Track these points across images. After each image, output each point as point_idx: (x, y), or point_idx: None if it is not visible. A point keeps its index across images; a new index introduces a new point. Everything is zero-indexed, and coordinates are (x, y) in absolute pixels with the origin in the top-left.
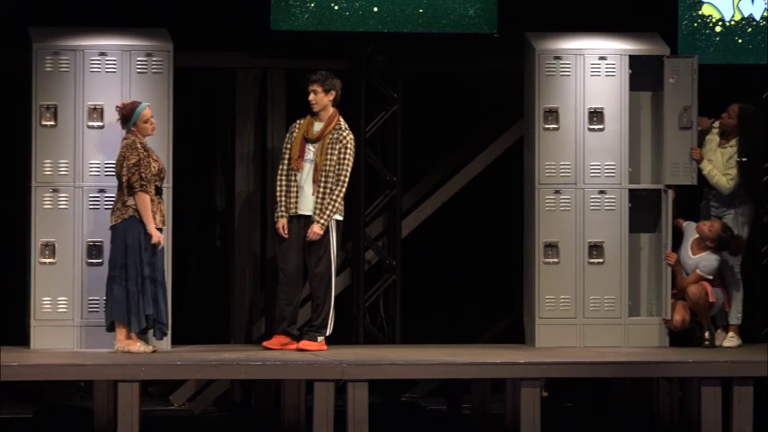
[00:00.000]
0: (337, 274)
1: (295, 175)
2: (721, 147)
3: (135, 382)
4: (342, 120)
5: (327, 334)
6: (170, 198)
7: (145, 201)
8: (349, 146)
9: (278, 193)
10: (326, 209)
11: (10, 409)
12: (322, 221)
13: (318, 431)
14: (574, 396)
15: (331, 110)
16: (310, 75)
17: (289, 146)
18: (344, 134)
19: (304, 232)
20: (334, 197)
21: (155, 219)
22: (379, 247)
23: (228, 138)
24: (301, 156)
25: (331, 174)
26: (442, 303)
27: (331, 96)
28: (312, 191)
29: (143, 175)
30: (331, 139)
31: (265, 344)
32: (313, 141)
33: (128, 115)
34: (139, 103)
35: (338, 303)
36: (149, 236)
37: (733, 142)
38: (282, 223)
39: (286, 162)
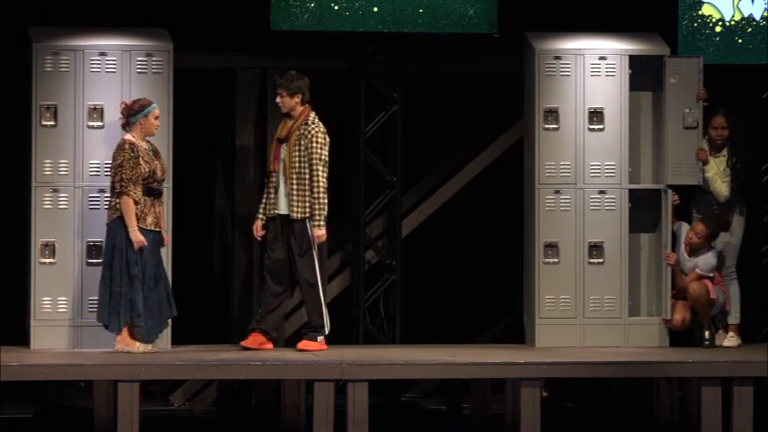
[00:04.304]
0: (337, 274)
1: (274, 176)
2: (714, 156)
3: (135, 382)
4: (312, 114)
5: (326, 333)
6: (170, 198)
7: (126, 203)
8: (315, 139)
9: (263, 195)
10: (316, 211)
11: (10, 409)
12: (317, 224)
13: (318, 431)
14: (574, 396)
15: (300, 108)
16: (276, 77)
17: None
18: (310, 128)
19: (284, 231)
20: (316, 196)
21: (145, 220)
22: (379, 247)
23: (228, 138)
24: (276, 157)
25: (303, 171)
26: (442, 303)
27: (297, 99)
28: (286, 190)
29: (124, 176)
30: (297, 135)
31: (243, 343)
32: (284, 141)
33: (138, 110)
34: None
35: (338, 303)
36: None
37: (724, 151)
38: (257, 225)
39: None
